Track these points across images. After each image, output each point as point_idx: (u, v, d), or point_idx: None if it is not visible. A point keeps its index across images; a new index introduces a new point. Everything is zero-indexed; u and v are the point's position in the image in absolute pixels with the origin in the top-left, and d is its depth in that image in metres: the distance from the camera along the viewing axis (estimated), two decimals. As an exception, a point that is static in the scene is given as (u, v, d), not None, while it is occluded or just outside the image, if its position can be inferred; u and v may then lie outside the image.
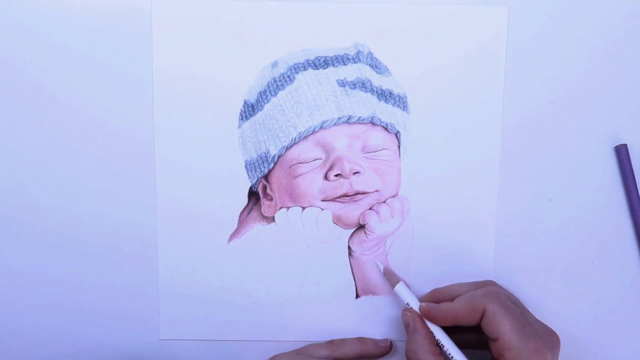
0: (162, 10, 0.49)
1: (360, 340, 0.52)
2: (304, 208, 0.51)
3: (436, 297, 0.49)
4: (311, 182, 0.51)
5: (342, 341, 0.51)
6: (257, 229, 0.51)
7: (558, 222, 0.52)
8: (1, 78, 0.49)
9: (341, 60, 0.50)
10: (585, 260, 0.52)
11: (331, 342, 0.51)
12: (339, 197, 0.51)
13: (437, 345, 0.47)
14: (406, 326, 0.48)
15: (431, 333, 0.47)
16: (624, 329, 0.53)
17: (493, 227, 0.52)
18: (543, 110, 0.51)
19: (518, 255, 0.52)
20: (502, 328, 0.44)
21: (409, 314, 0.48)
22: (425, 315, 0.48)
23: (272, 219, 0.51)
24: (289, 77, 0.50)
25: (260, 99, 0.50)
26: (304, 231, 0.51)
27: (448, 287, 0.50)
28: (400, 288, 0.50)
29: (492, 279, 0.51)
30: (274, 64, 0.50)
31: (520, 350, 0.43)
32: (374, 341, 0.52)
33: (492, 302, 0.45)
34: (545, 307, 0.52)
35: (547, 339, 0.45)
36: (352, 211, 0.51)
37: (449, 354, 0.47)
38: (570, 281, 0.52)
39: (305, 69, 0.50)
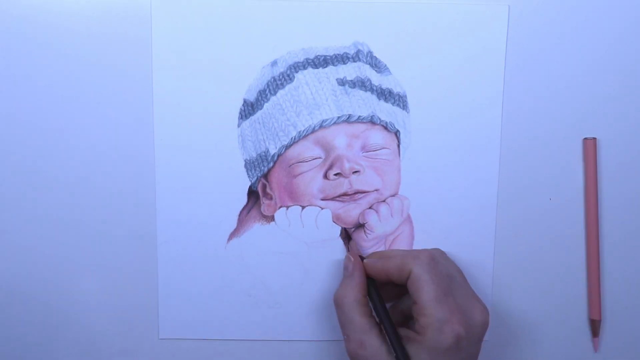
0: (162, 9, 0.49)
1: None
2: (303, 207, 0.51)
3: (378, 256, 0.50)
4: (311, 181, 0.51)
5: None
6: (256, 228, 0.51)
7: (558, 222, 0.52)
8: (1, 79, 0.49)
9: (341, 59, 0.50)
10: (584, 260, 0.52)
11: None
12: (339, 196, 0.51)
13: (365, 296, 0.48)
14: (345, 268, 0.49)
15: (365, 283, 0.48)
16: (624, 327, 0.53)
17: (493, 226, 0.52)
18: (543, 108, 0.50)
19: (517, 254, 0.52)
20: (421, 292, 0.44)
21: (351, 259, 0.49)
22: (365, 267, 0.49)
23: (272, 218, 0.51)
24: (288, 76, 0.50)
25: (259, 98, 0.50)
26: (304, 230, 0.51)
27: (390, 250, 0.51)
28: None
29: (489, 279, 0.51)
30: (274, 63, 0.50)
31: (433, 318, 0.43)
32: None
33: (418, 266, 0.45)
34: (545, 307, 0.52)
35: (467, 316, 0.45)
36: (352, 210, 0.51)
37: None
38: (571, 280, 0.52)
39: (305, 68, 0.50)
